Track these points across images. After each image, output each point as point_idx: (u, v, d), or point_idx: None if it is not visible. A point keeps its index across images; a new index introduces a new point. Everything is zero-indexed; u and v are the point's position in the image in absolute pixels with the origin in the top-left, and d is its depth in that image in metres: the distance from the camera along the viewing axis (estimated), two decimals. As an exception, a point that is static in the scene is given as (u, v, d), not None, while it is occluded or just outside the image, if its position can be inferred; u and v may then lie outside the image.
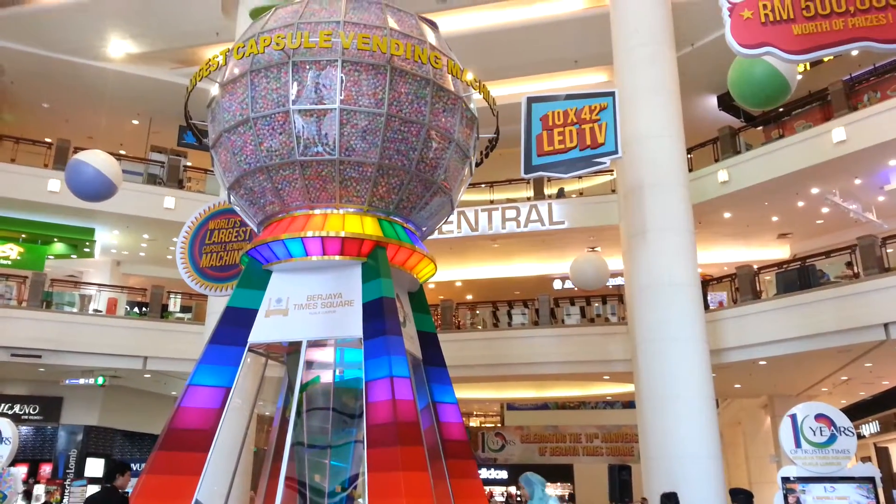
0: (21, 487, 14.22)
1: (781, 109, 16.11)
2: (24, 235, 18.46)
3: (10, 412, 19.14)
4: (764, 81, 8.48)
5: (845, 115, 14.39)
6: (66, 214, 17.65)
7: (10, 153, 18.17)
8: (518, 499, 27.01)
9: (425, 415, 8.63)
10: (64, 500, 17.66)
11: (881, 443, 18.88)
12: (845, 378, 17.51)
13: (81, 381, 18.42)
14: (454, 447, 8.95)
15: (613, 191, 17.75)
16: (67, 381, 18.64)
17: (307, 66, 8.03)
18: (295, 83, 8.01)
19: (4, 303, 16.76)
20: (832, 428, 8.65)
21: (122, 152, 19.74)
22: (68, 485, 18.20)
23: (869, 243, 13.80)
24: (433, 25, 9.24)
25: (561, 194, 19.10)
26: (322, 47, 7.90)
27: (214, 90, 8.85)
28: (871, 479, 8.40)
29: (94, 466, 20.11)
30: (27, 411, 19.91)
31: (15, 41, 17.45)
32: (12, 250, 18.22)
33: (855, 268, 14.27)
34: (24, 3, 16.71)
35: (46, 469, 19.72)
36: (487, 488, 23.98)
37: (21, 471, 15.17)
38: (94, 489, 18.35)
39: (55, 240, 18.89)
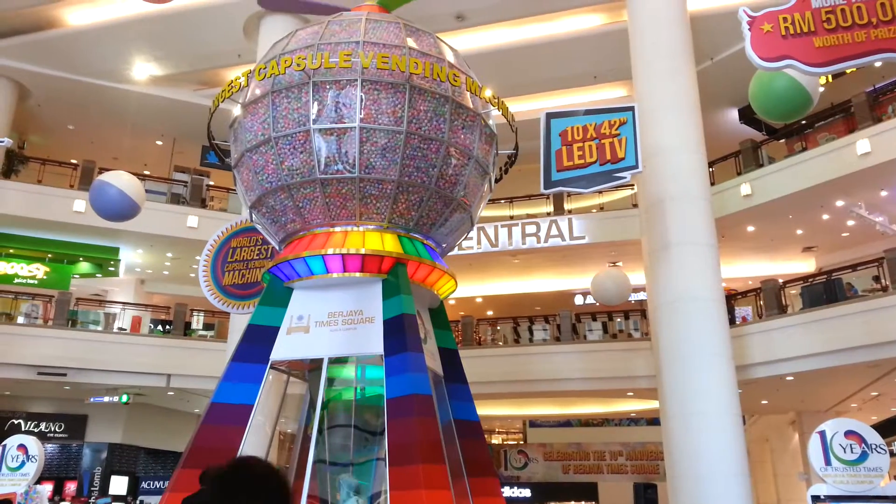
0: (47, 505, 14.35)
1: (804, 122, 15.96)
2: (50, 255, 18.76)
3: (35, 430, 19.37)
4: (785, 94, 8.40)
5: (869, 126, 14.22)
6: (92, 234, 17.92)
7: (36, 174, 18.53)
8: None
9: (447, 432, 8.58)
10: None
11: (914, 460, 18.43)
12: (875, 393, 17.16)
13: (106, 398, 18.59)
14: (476, 465, 8.87)
15: (635, 205, 17.65)
16: (92, 400, 18.82)
17: (327, 86, 8.11)
18: (315, 103, 8.10)
19: (31, 322, 17.01)
20: (863, 445, 8.46)
21: (147, 172, 20.04)
22: (93, 502, 18.32)
23: (896, 256, 13.58)
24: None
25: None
26: (342, 67, 7.98)
27: (237, 111, 8.96)
28: (902, 498, 8.20)
29: (119, 484, 20.25)
30: (53, 429, 20.13)
31: (41, 65, 17.84)
32: (39, 270, 18.52)
33: (883, 281, 14.02)
34: (47, 29, 17.08)
35: (71, 487, 19.88)
36: (510, 506, 23.74)
37: (47, 488, 15.32)
38: (118, 507, 18.48)
39: (80, 259, 19.17)
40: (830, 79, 15.98)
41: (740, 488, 11.66)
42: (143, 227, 16.45)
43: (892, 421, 19.35)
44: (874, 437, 8.52)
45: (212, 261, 11.36)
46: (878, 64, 8.19)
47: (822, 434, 8.66)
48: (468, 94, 8.69)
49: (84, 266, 19.36)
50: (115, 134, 20.57)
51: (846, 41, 6.04)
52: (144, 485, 20.26)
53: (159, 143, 21.51)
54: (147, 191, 12.57)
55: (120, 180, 11.06)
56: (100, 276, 19.87)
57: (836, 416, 15.88)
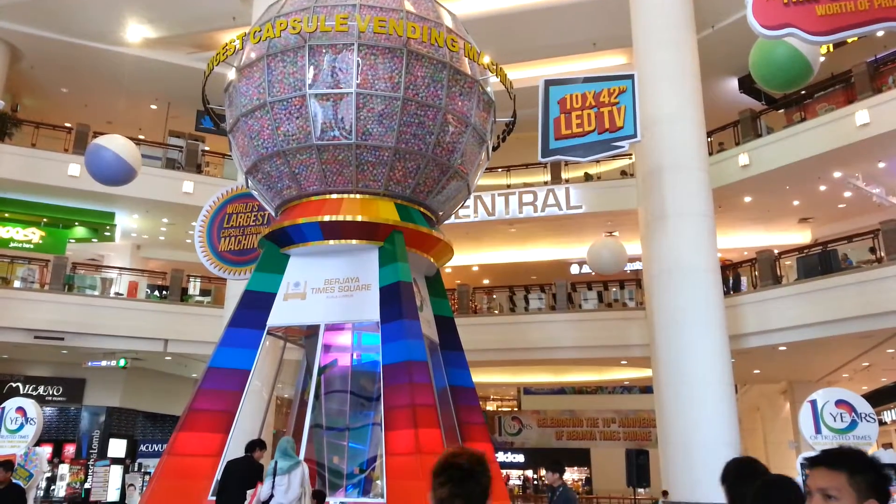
0: (46, 467, 14.52)
1: (804, 92, 15.82)
2: (45, 220, 18.68)
3: (34, 393, 19.48)
4: (786, 63, 8.32)
5: (869, 97, 14.12)
6: (87, 199, 17.83)
7: (30, 138, 18.35)
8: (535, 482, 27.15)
9: (442, 398, 8.67)
10: (87, 480, 17.99)
11: (902, 429, 18.72)
12: (866, 364, 17.33)
13: (103, 363, 18.68)
14: (471, 430, 9.00)
15: (632, 174, 17.60)
16: (90, 363, 18.92)
17: (323, 50, 8.02)
18: (311, 67, 8.02)
19: (27, 286, 17.00)
20: (853, 414, 8.58)
21: (141, 137, 19.85)
22: (92, 465, 18.53)
23: (892, 228, 13.59)
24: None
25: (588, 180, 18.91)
26: (338, 31, 7.89)
27: (231, 74, 8.87)
28: (892, 467, 8.33)
29: (117, 447, 20.46)
30: (51, 392, 20.26)
31: (34, 26, 17.56)
32: (34, 234, 18.46)
33: (878, 252, 14.08)
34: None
35: (70, 449, 20.08)
36: (504, 472, 24.08)
37: (46, 451, 15.47)
38: (116, 469, 18.73)
39: (76, 224, 19.10)
40: (831, 48, 15.84)
41: (731, 456, 11.79)
42: (139, 192, 16.36)
43: (881, 391, 19.59)
44: (864, 406, 8.64)
45: (207, 227, 11.34)
46: (880, 33, 8.11)
47: (814, 403, 8.78)
48: (466, 59, 8.61)
49: (80, 231, 19.29)
50: (110, 97, 20.34)
51: (848, 9, 5.95)
52: (143, 448, 20.47)
53: (154, 107, 21.30)
54: (142, 155, 12.47)
55: (116, 144, 10.96)
56: (95, 240, 19.82)
57: (828, 385, 16.08)
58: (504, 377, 25.05)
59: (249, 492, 7.08)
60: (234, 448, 7.96)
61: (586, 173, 18.98)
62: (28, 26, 17.54)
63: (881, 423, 15.73)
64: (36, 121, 18.82)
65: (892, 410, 19.00)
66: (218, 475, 7.63)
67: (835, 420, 8.60)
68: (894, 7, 5.90)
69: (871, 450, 8.67)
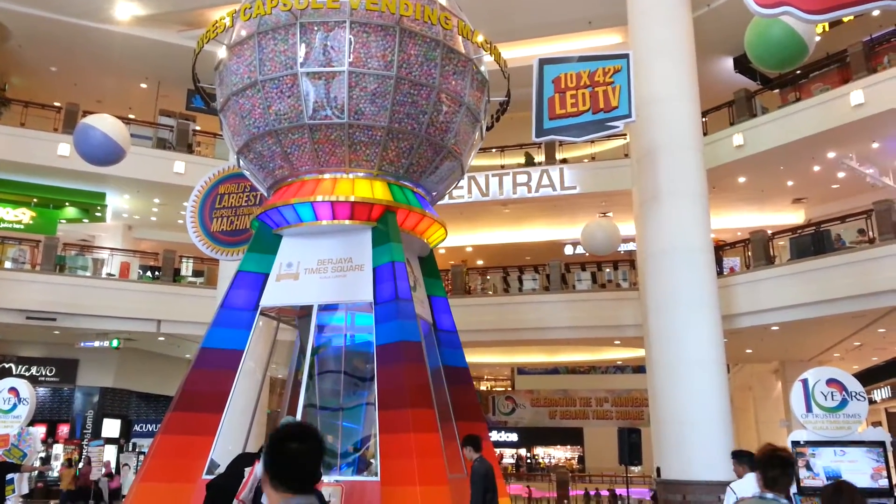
0: (40, 446, 14.55)
1: (799, 72, 15.75)
2: (35, 200, 18.53)
3: (27, 374, 19.47)
4: (781, 42, 8.28)
5: (864, 77, 14.07)
6: (77, 179, 17.68)
7: (19, 117, 18.13)
8: (528, 461, 27.36)
9: (436, 378, 8.68)
10: (81, 460, 18.04)
11: (892, 408, 18.91)
12: (858, 343, 17.46)
13: (96, 343, 18.67)
14: (465, 410, 9.03)
15: (626, 155, 17.55)
16: (82, 344, 18.90)
17: (315, 28, 7.92)
18: (303, 45, 7.92)
19: (18, 266, 16.92)
20: (843, 393, 8.64)
21: (131, 116, 19.65)
22: (86, 444, 18.58)
23: (885, 208, 13.62)
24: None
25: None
26: (330, 8, 7.79)
27: (222, 53, 8.76)
28: (881, 444, 8.42)
29: (111, 427, 20.51)
30: (44, 373, 20.25)
31: (21, 3, 17.26)
32: (24, 214, 18.32)
33: (870, 233, 14.12)
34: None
35: (64, 429, 20.12)
36: (498, 450, 24.25)
37: (40, 430, 15.50)
38: (110, 449, 18.80)
39: (67, 204, 18.96)
40: (827, 28, 15.76)
41: (722, 434, 11.93)
42: (129, 172, 16.23)
43: (872, 370, 19.76)
44: (854, 385, 8.70)
45: (199, 207, 11.27)
46: (875, 13, 8.05)
47: (805, 382, 8.83)
48: (460, 38, 8.52)
49: (70, 211, 19.15)
50: (99, 76, 20.10)
51: (846, -13, 5.90)
52: (137, 427, 20.54)
53: (144, 86, 21.06)
54: (132, 135, 12.35)
55: (104, 123, 10.85)
56: (86, 221, 19.68)
57: (819, 365, 16.18)
58: (498, 357, 25.17)
59: (247, 469, 7.09)
60: (227, 428, 7.97)
61: (592, 157, 18.93)
62: (15, 4, 17.24)
63: (871, 401, 15.87)
64: (25, 100, 18.59)
65: (882, 389, 19.17)
66: (212, 454, 7.65)
67: (826, 399, 8.66)
68: (891, -15, 5.84)
69: (861, 428, 8.74)
